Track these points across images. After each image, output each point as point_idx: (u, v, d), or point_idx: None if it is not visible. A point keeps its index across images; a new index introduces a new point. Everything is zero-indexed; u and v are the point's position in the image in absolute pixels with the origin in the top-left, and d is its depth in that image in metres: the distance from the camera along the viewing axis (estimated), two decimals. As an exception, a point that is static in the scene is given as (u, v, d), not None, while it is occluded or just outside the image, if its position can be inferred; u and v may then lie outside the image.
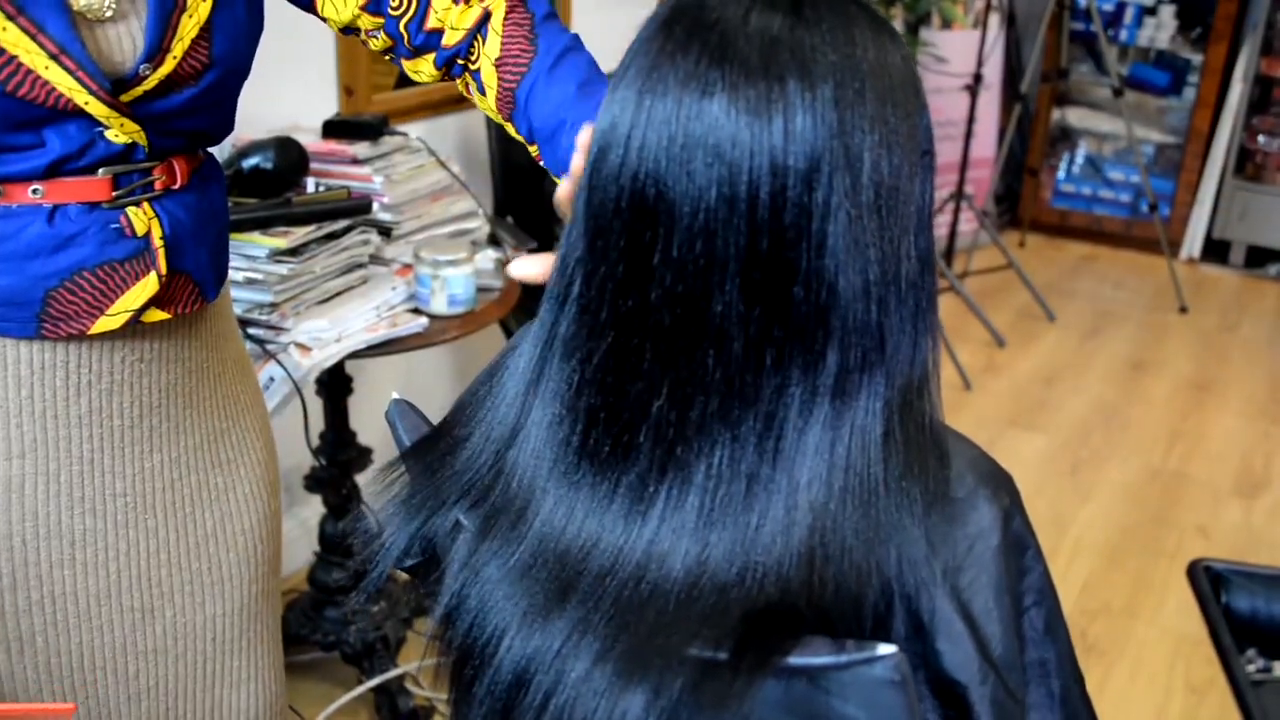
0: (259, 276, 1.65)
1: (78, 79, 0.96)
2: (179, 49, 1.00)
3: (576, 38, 1.09)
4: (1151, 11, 4.91)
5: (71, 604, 1.14)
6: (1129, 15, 4.95)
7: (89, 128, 0.99)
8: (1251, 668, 0.90)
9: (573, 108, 1.02)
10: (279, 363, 1.65)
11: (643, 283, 0.70)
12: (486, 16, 1.08)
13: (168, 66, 1.00)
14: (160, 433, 1.15)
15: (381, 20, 1.12)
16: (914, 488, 0.71)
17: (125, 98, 0.99)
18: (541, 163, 1.07)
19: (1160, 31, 4.92)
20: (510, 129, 1.10)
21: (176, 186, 1.07)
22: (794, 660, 0.67)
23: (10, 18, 0.92)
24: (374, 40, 1.15)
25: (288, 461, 2.36)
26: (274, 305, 1.66)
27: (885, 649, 0.66)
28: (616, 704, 0.68)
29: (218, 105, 1.08)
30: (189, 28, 1.00)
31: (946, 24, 4.51)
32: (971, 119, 4.13)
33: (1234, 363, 3.95)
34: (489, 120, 2.53)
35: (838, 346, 0.69)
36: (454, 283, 1.82)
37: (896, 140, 0.69)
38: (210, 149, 1.15)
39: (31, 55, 0.93)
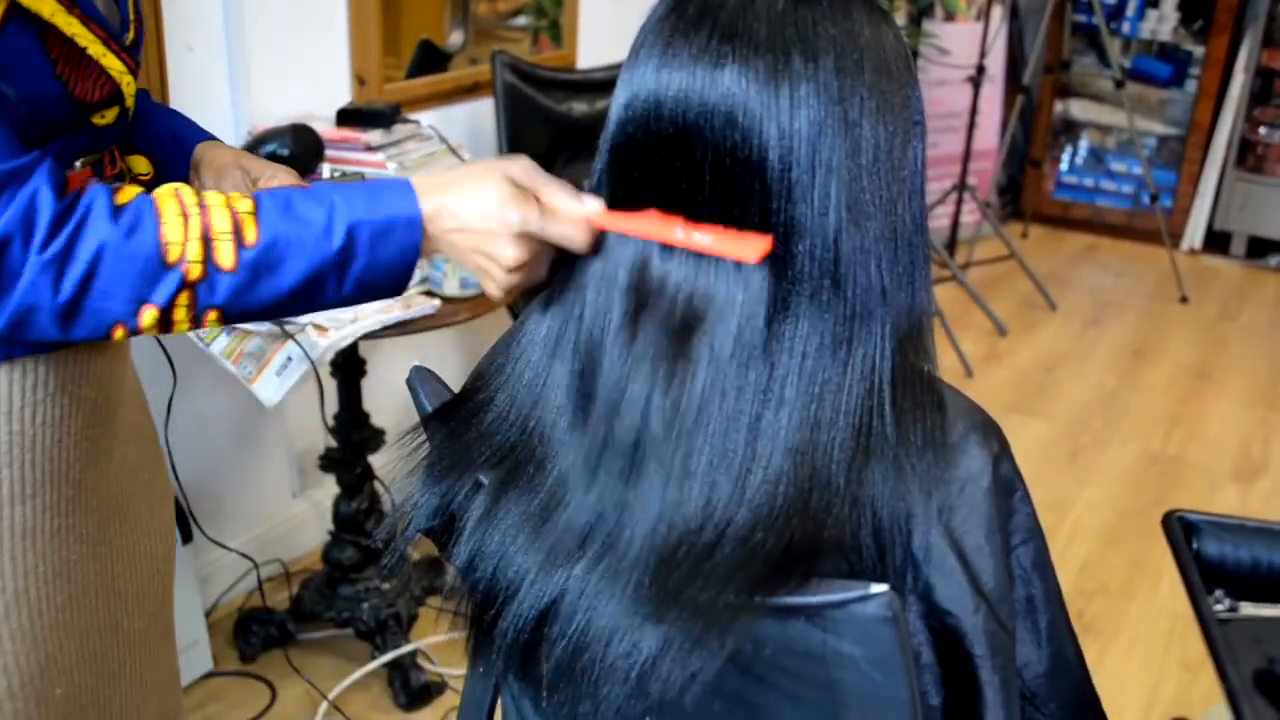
0: (277, 259, 1.69)
1: (122, 60, 0.97)
2: (133, 11, 1.03)
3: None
4: (1153, 3, 4.95)
5: (73, 645, 1.07)
6: (1131, 7, 4.98)
7: (88, 115, 0.98)
8: (1219, 607, 0.96)
9: (164, 124, 1.14)
10: (297, 342, 1.69)
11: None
12: None
13: (132, 32, 1.02)
14: (117, 435, 1.11)
15: None
16: (910, 432, 0.76)
17: None
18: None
19: (1162, 24, 4.95)
20: None
21: (118, 172, 1.06)
22: (791, 599, 0.72)
23: (68, 10, 0.90)
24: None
25: (303, 442, 2.42)
26: (292, 287, 1.70)
27: (878, 588, 0.70)
28: (631, 639, 0.73)
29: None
30: None
31: (949, 16, 4.54)
32: (974, 111, 4.17)
33: (1233, 351, 3.99)
34: (499, 109, 2.57)
35: (841, 299, 0.75)
36: (466, 266, 1.87)
37: (890, 108, 0.75)
38: None
39: (94, 45, 0.93)
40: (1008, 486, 0.82)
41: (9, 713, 1.02)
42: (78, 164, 0.99)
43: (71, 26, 0.90)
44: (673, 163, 0.75)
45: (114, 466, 1.10)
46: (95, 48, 0.93)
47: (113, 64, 0.96)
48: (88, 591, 1.08)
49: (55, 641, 1.05)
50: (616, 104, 0.78)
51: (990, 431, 0.81)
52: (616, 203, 0.79)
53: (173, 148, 1.14)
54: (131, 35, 1.02)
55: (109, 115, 1.00)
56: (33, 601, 1.02)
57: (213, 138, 1.16)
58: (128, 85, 0.99)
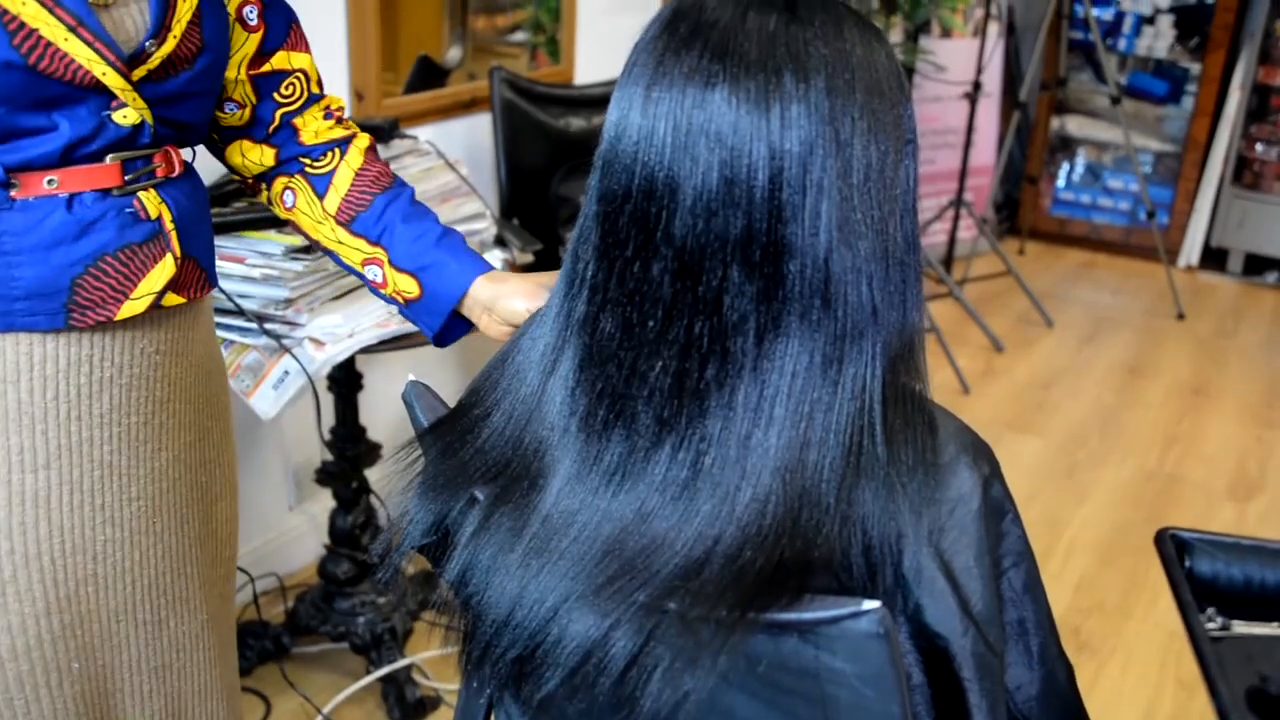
0: (275, 273, 1.70)
1: (95, 50, 0.99)
2: (178, 29, 1.06)
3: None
4: (1150, 21, 4.97)
5: (95, 624, 1.10)
6: (1127, 24, 5.01)
7: (98, 110, 1.02)
8: (1211, 625, 0.96)
9: (434, 252, 1.19)
10: (294, 356, 1.69)
11: (648, 260, 0.75)
12: (351, 138, 1.24)
13: (169, 45, 1.05)
14: (167, 429, 1.14)
15: (255, 100, 1.20)
16: (901, 452, 0.76)
17: (134, 75, 1.03)
18: (376, 269, 1.21)
19: (1158, 40, 4.97)
20: (341, 231, 1.22)
21: (175, 174, 1.11)
22: (783, 616, 0.72)
23: None
24: (231, 114, 1.21)
25: (299, 456, 2.42)
26: (289, 301, 1.71)
27: (870, 604, 0.70)
28: (621, 657, 0.73)
29: (206, 95, 1.13)
30: (185, 10, 1.06)
31: (946, 32, 4.56)
32: (971, 127, 4.18)
33: (1230, 368, 3.99)
34: (496, 124, 2.58)
35: (831, 318, 0.75)
36: (463, 280, 1.87)
37: (882, 127, 0.75)
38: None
39: (51, 28, 0.97)
40: (998, 509, 0.82)
41: (12, 673, 1.06)
42: (108, 159, 1.04)
43: (19, 6, 0.95)
44: (657, 182, 0.75)
45: (161, 462, 1.14)
46: (51, 31, 0.97)
47: (79, 51, 0.99)
48: (123, 578, 1.12)
49: (73, 614, 1.08)
50: (609, 121, 0.78)
51: (981, 453, 0.81)
52: (602, 219, 0.79)
53: (438, 282, 1.18)
54: (168, 47, 1.05)
55: (130, 115, 1.04)
56: (45, 569, 1.06)
57: (488, 266, 1.19)
58: (106, 77, 1.00)
